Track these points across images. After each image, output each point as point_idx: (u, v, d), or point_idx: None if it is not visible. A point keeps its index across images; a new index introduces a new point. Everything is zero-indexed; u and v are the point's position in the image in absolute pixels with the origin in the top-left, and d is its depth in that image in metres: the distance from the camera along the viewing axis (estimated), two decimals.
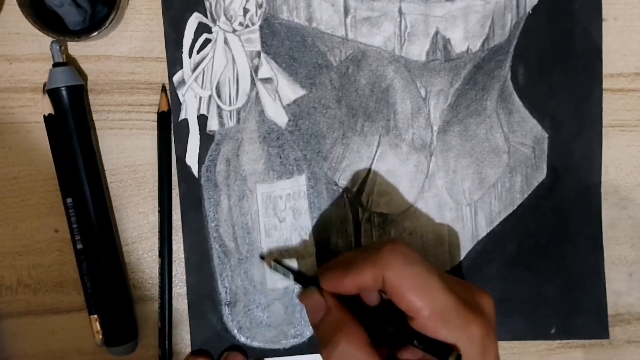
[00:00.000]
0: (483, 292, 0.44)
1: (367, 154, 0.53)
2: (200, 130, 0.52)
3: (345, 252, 0.46)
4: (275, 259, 0.52)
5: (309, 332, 0.53)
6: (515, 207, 0.54)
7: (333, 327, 0.43)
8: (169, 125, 0.52)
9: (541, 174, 0.54)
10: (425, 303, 0.41)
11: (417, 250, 0.45)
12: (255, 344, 0.53)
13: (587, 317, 0.54)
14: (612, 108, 0.55)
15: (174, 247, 0.53)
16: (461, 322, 0.41)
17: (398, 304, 0.42)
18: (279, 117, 0.53)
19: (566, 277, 0.54)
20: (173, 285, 0.53)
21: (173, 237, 0.53)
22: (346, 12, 0.52)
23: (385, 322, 0.44)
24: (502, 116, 0.54)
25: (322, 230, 0.53)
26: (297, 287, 0.52)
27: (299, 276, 0.50)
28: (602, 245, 0.54)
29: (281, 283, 0.53)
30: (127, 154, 0.53)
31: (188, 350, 0.53)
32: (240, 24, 0.52)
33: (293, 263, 0.53)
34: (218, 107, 0.52)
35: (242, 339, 0.53)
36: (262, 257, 0.53)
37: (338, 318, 0.44)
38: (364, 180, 0.53)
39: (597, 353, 0.55)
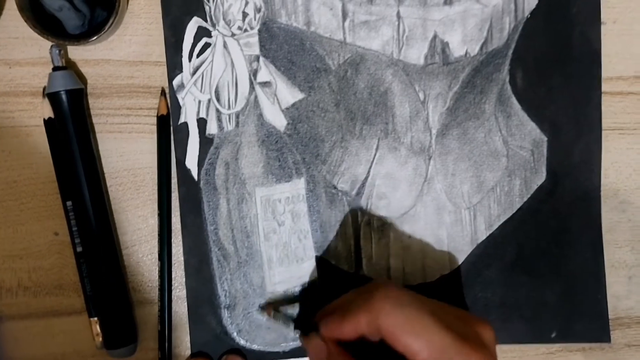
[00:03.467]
0: (482, 322, 0.44)
1: (365, 157, 0.53)
2: (199, 133, 0.53)
3: (343, 295, 0.47)
4: (275, 307, 0.52)
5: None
6: (514, 211, 0.54)
7: None
8: (168, 128, 0.53)
9: (540, 178, 0.54)
10: (422, 345, 0.41)
11: (408, 290, 0.44)
12: (255, 346, 0.53)
13: (588, 320, 0.54)
14: (612, 111, 0.54)
15: (174, 250, 0.53)
16: (460, 358, 0.41)
17: (395, 347, 0.42)
18: (278, 121, 0.53)
19: (566, 280, 0.54)
20: (172, 288, 0.53)
21: (172, 240, 0.53)
22: (344, 16, 0.52)
23: None
24: (500, 119, 0.54)
25: (321, 233, 0.53)
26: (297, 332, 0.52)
27: (299, 323, 0.50)
28: (602, 248, 0.54)
29: (280, 286, 0.53)
30: (127, 158, 0.53)
31: (187, 353, 0.53)
32: (239, 28, 0.52)
33: (295, 308, 0.53)
34: (217, 110, 0.53)
35: (242, 342, 0.53)
36: (263, 308, 0.53)
37: None
38: (363, 184, 0.53)
39: (597, 356, 0.55)
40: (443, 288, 0.54)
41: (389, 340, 0.42)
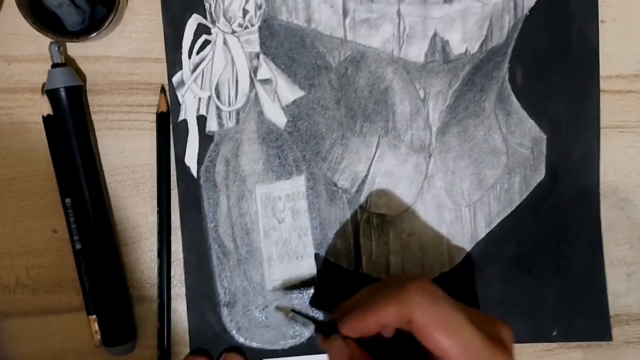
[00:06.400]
0: (503, 324, 0.44)
1: (366, 154, 0.53)
2: (199, 130, 0.53)
3: (360, 291, 0.46)
4: (293, 309, 0.52)
5: (307, 332, 0.53)
6: (514, 208, 0.54)
7: None
8: (168, 125, 0.52)
9: (540, 175, 0.54)
10: (454, 342, 0.41)
11: (439, 286, 0.44)
12: (254, 344, 0.53)
13: (588, 319, 0.54)
14: (611, 109, 0.55)
15: (173, 248, 0.53)
16: (487, 358, 0.41)
17: (424, 342, 0.42)
18: (278, 118, 0.53)
19: (566, 278, 0.54)
20: (172, 285, 0.53)
21: (172, 237, 0.53)
22: (345, 13, 0.52)
23: None
24: (500, 117, 0.54)
25: (321, 231, 0.53)
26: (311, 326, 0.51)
27: (319, 324, 0.50)
28: (602, 246, 0.54)
29: (280, 284, 0.53)
30: (126, 155, 0.53)
31: (186, 350, 0.53)
32: (240, 25, 0.52)
33: (311, 308, 0.53)
34: (217, 107, 0.53)
35: (241, 340, 0.53)
36: (279, 309, 0.53)
37: None
38: (363, 181, 0.53)
39: (596, 354, 0.55)
40: (443, 286, 0.53)
41: (418, 334, 0.42)
